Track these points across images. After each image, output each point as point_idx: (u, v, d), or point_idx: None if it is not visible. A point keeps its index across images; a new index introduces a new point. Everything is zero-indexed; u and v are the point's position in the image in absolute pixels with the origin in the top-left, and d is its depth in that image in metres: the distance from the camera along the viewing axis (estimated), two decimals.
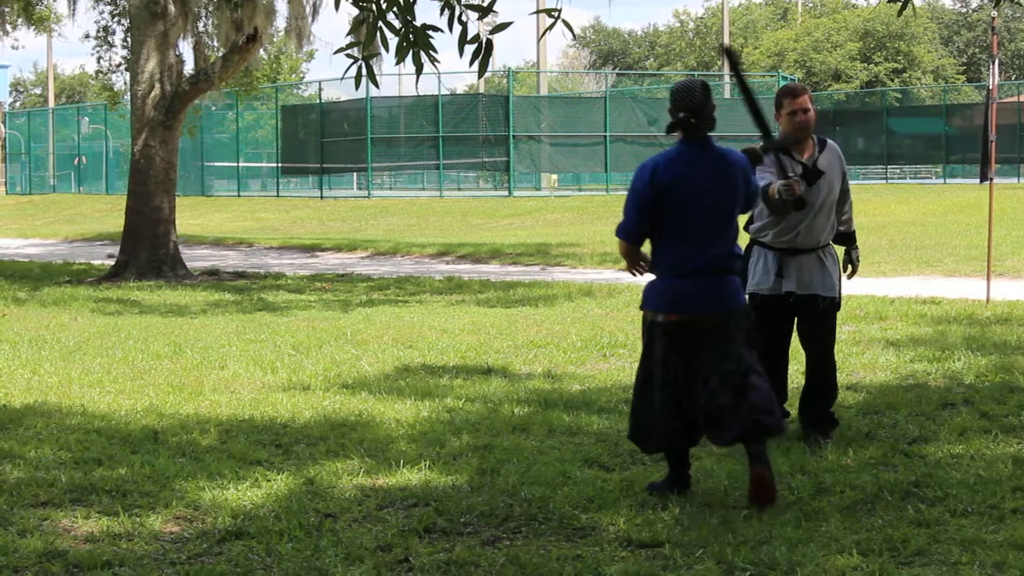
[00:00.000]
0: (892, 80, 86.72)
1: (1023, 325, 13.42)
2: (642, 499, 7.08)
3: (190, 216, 40.03)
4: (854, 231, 8.98)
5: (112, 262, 23.81)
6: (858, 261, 8.95)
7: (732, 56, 7.93)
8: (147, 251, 22.49)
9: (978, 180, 18.63)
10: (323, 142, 47.33)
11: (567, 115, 47.59)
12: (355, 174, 54.25)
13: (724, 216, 7.11)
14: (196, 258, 27.14)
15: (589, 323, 14.53)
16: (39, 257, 29.77)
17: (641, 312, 7.29)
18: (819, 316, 8.67)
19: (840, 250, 8.91)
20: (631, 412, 7.35)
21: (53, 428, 9.05)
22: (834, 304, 8.70)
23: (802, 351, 8.88)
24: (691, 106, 6.99)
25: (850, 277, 8.88)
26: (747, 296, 8.56)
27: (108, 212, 45.21)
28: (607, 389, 10.36)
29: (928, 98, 73.25)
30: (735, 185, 7.14)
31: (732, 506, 6.94)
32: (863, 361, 11.47)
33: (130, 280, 21.54)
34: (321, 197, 48.11)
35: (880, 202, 36.21)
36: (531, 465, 7.78)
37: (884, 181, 53.85)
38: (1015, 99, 54.53)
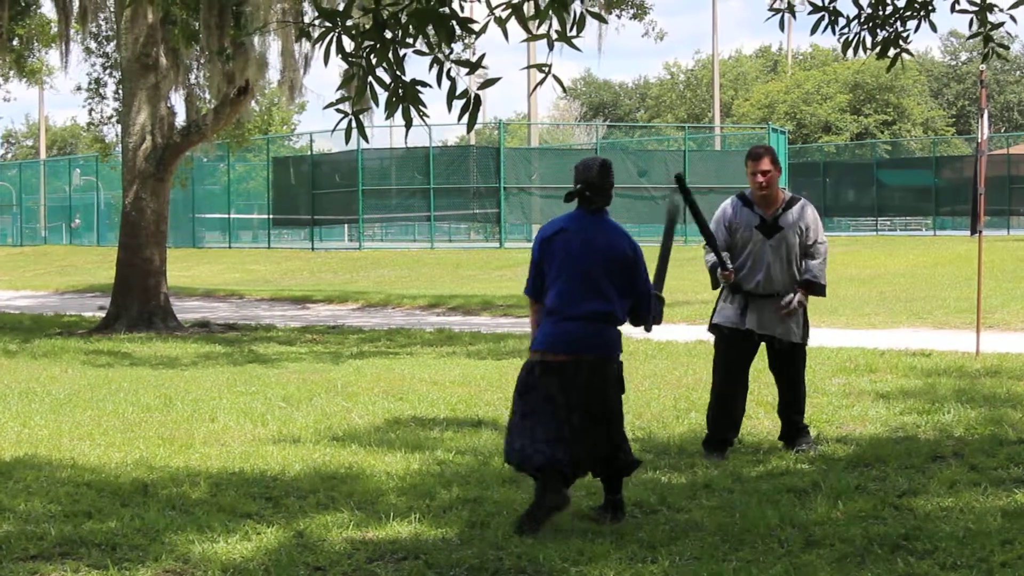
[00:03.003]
0: (882, 132, 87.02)
1: (1012, 377, 13.45)
2: (631, 552, 7.08)
3: (181, 268, 40.04)
4: (814, 282, 9.83)
5: (103, 314, 23.79)
6: (795, 303, 9.75)
7: (681, 183, 9.13)
8: (138, 303, 22.49)
9: (968, 232, 18.68)
10: (314, 194, 47.40)
11: (558, 166, 47.54)
12: (346, 226, 54.31)
13: (605, 276, 7.80)
14: (187, 310, 27.15)
15: None
16: (30, 309, 29.75)
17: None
18: (781, 356, 9.95)
19: (816, 300, 9.78)
20: (507, 438, 7.88)
21: (43, 481, 9.02)
22: (795, 346, 9.86)
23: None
24: (587, 181, 7.87)
25: (782, 311, 9.74)
26: (712, 327, 10.01)
27: (99, 264, 45.20)
28: None
29: (918, 150, 73.62)
30: (618, 254, 7.84)
31: (722, 559, 6.94)
32: (853, 414, 11.48)
33: (121, 332, 21.54)
34: (312, 249, 48.17)
35: (870, 254, 36.31)
36: None
37: (874, 233, 53.89)
38: (1004, 151, 54.80)
